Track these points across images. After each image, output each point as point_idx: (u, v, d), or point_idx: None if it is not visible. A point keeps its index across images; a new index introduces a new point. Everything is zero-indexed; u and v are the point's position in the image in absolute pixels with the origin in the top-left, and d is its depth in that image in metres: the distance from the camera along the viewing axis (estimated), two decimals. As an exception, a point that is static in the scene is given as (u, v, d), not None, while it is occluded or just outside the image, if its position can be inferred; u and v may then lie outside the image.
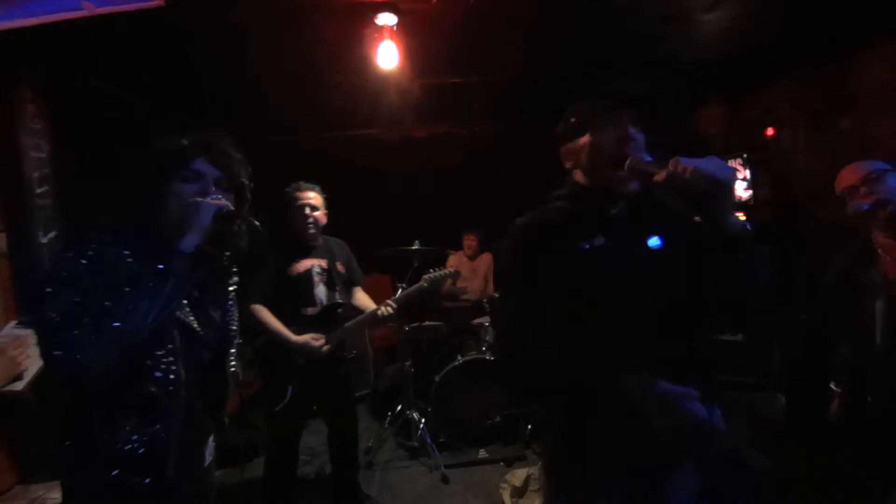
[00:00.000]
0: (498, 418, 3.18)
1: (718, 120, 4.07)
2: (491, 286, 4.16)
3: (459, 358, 3.28)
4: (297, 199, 2.29)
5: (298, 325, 2.22)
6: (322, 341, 2.22)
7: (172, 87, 3.38)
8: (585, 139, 1.06)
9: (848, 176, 1.62)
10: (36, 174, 2.47)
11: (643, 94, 1.04)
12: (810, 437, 2.17)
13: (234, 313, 1.28)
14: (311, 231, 2.30)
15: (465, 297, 4.09)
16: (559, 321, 0.95)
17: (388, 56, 2.76)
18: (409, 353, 3.33)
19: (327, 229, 2.46)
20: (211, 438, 1.24)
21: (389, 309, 2.41)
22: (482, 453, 3.07)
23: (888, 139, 3.03)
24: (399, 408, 3.34)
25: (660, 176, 0.88)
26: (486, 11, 2.61)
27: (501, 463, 2.97)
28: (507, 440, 3.18)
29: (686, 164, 0.86)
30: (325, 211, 2.37)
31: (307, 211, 2.28)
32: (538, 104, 4.11)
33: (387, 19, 2.56)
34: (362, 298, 2.55)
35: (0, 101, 2.43)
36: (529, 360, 0.99)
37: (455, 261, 4.31)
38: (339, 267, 2.42)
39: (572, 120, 1.11)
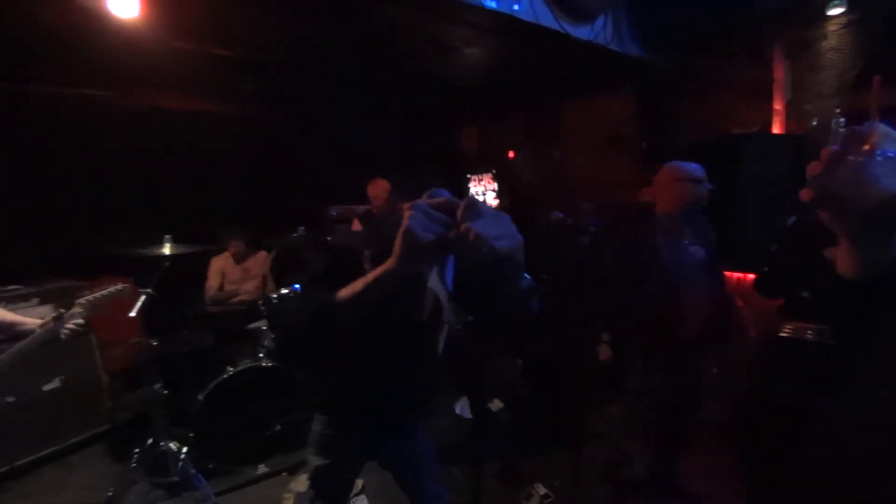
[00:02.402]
0: (278, 427, 2.97)
1: (475, 139, 4.83)
2: (270, 286, 3.81)
3: (230, 369, 2.91)
4: None
5: None
6: None
7: None
8: (384, 185, 1.13)
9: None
10: None
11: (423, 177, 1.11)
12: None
13: None
14: None
15: (237, 299, 3.64)
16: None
17: (124, 4, 2.25)
18: (160, 373, 2.74)
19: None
20: None
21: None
22: (262, 469, 2.81)
23: (583, 166, 4.19)
24: (150, 441, 2.73)
25: (452, 234, 0.75)
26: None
27: (284, 474, 2.78)
28: (289, 448, 2.99)
29: (473, 229, 0.72)
30: None
31: None
32: (314, 95, 4.03)
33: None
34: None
35: None
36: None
37: (220, 264, 3.80)
38: None
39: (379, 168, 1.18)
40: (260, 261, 3.88)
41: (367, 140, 4.37)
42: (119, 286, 2.14)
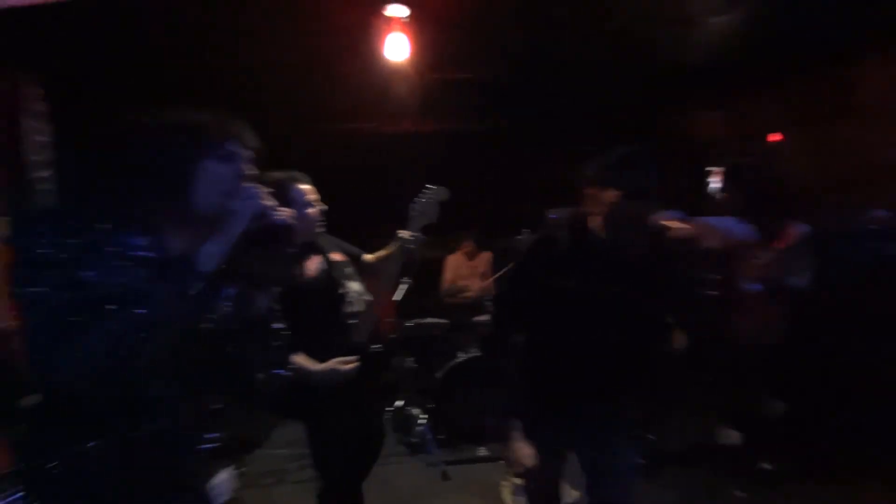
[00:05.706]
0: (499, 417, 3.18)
1: (719, 124, 4.13)
2: (490, 283, 4.18)
3: (460, 355, 3.27)
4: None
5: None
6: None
7: (161, 76, 3.22)
8: (611, 195, 1.23)
9: None
10: (37, 158, 2.43)
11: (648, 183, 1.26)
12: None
13: None
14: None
15: (465, 294, 4.12)
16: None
17: (397, 48, 2.74)
18: (409, 349, 3.33)
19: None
20: None
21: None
22: (483, 451, 3.06)
23: (888, 145, 3.08)
24: (399, 403, 3.31)
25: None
26: (496, 4, 2.63)
27: (502, 462, 2.96)
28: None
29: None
30: None
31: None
32: (535, 106, 4.17)
33: (397, 11, 2.56)
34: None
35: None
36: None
37: (454, 262, 4.37)
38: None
39: (606, 171, 1.26)
40: (485, 260, 4.33)
41: (590, 142, 4.26)
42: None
